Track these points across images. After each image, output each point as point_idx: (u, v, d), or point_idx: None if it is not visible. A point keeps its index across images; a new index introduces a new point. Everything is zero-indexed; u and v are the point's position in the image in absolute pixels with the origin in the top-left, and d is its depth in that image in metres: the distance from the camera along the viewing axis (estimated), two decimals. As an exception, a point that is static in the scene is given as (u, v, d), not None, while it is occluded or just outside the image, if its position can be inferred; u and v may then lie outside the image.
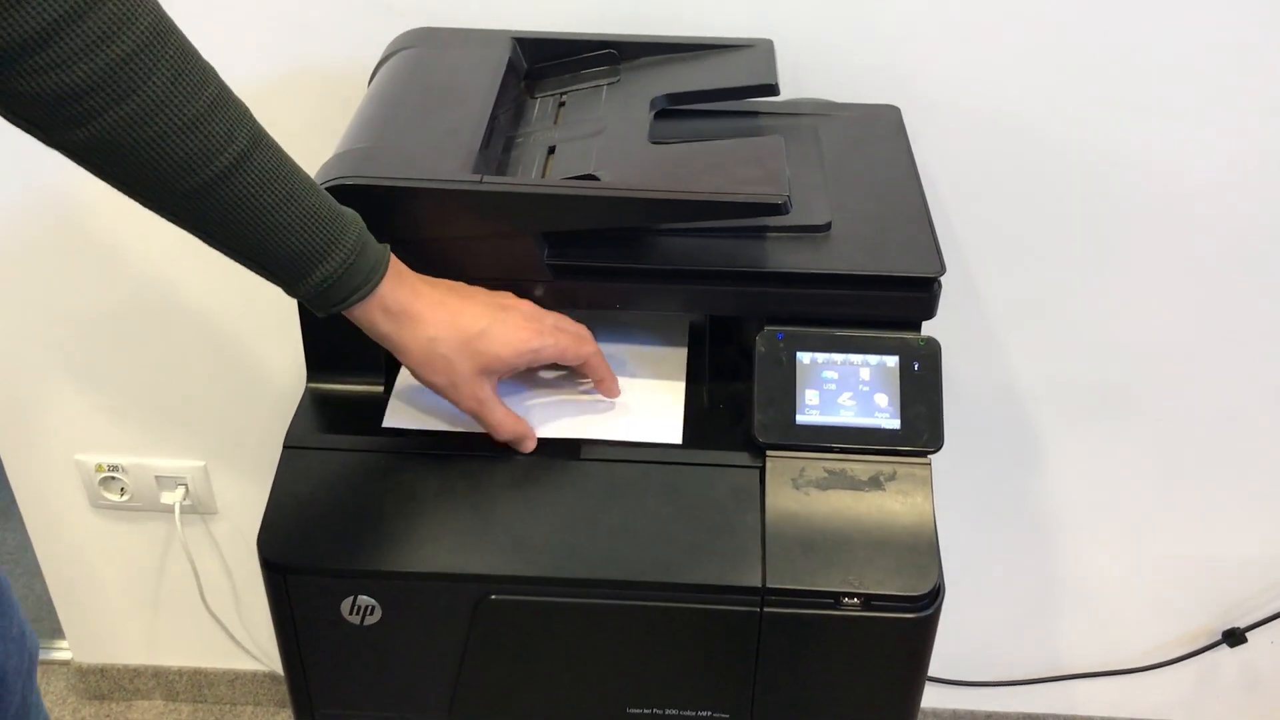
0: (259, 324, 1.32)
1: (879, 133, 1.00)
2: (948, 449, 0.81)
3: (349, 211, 0.75)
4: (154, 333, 1.33)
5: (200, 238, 0.72)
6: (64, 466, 1.45)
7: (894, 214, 0.88)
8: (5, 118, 0.64)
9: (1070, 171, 1.13)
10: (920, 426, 0.81)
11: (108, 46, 0.61)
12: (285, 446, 0.83)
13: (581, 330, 0.84)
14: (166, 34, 0.64)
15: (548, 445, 0.83)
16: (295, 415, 0.86)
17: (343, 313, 0.76)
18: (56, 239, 1.26)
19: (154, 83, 0.63)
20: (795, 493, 0.80)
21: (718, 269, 0.82)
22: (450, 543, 0.79)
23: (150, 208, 0.69)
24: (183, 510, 1.47)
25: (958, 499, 1.36)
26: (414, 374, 0.81)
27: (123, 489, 1.47)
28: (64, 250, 1.27)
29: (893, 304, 0.83)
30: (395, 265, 0.77)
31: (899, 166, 0.95)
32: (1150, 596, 1.46)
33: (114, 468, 1.45)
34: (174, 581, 1.55)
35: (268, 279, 0.74)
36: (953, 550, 1.34)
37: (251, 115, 0.70)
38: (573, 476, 0.82)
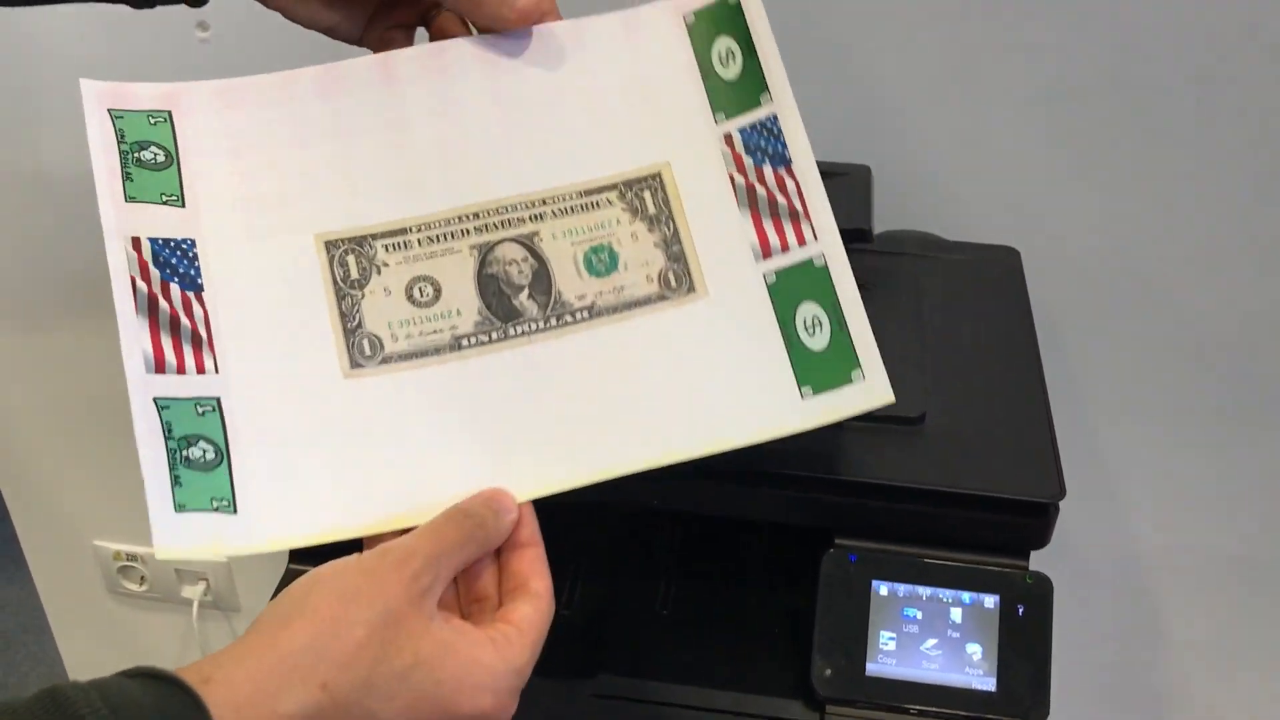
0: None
1: (993, 286, 0.83)
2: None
3: None
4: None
5: None
6: (82, 551, 1.36)
7: (1005, 404, 0.72)
8: None
9: (1219, 335, 0.95)
10: (1020, 691, 0.65)
11: None
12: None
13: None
14: None
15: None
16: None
17: None
18: (77, 319, 1.17)
19: None
20: (860, 764, 0.64)
21: (774, 470, 0.66)
22: None
23: None
24: (203, 605, 1.37)
25: None
26: None
27: (142, 578, 1.37)
28: (83, 329, 1.18)
29: (995, 527, 0.67)
30: None
31: (1016, 336, 0.78)
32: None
33: (132, 556, 1.35)
34: (193, 677, 1.45)
35: None
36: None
37: None
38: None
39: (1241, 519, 1.06)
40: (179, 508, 0.50)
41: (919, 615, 0.66)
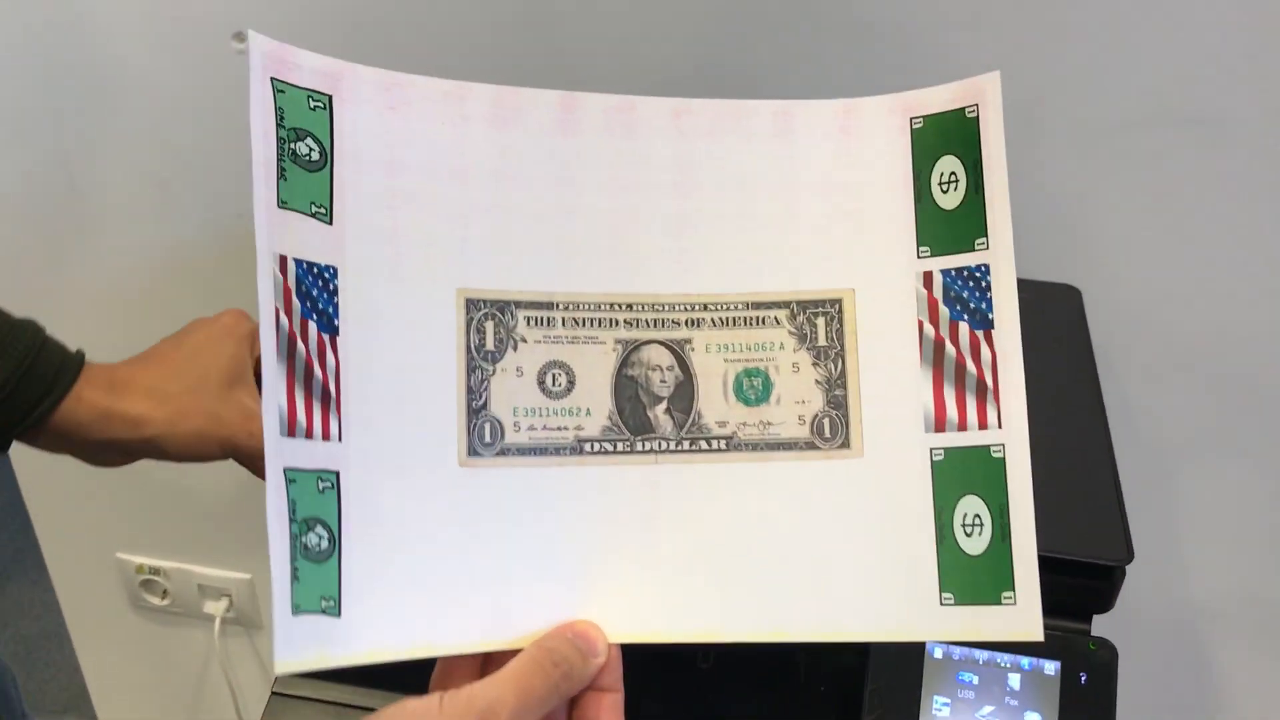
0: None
1: (1053, 329, 0.79)
2: None
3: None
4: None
5: None
6: (104, 563, 1.34)
7: (1068, 458, 0.68)
8: None
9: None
10: (1083, 766, 0.61)
11: None
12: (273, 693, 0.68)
13: None
14: None
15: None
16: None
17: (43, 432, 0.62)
18: (100, 326, 1.14)
19: None
20: (909, 837, 0.61)
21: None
22: None
23: None
24: (226, 622, 1.34)
25: None
26: (166, 441, 0.64)
27: (164, 592, 1.35)
28: (106, 338, 1.15)
29: (1058, 589, 0.63)
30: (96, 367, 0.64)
31: (1079, 383, 0.75)
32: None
33: (155, 570, 1.33)
34: (213, 692, 1.43)
35: None
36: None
37: None
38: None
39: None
40: (295, 609, 0.42)
41: (975, 680, 0.63)
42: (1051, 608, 0.62)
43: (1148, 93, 0.82)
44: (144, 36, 0.96)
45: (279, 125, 0.45)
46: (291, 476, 0.43)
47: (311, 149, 0.46)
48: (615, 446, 0.48)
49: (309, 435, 0.44)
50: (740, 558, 0.47)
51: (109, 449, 0.65)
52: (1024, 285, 0.82)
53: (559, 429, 0.48)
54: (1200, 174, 0.84)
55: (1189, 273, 0.89)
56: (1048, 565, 0.61)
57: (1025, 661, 0.63)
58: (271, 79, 0.45)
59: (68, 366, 0.63)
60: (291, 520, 0.43)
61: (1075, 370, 0.76)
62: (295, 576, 0.42)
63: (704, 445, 0.48)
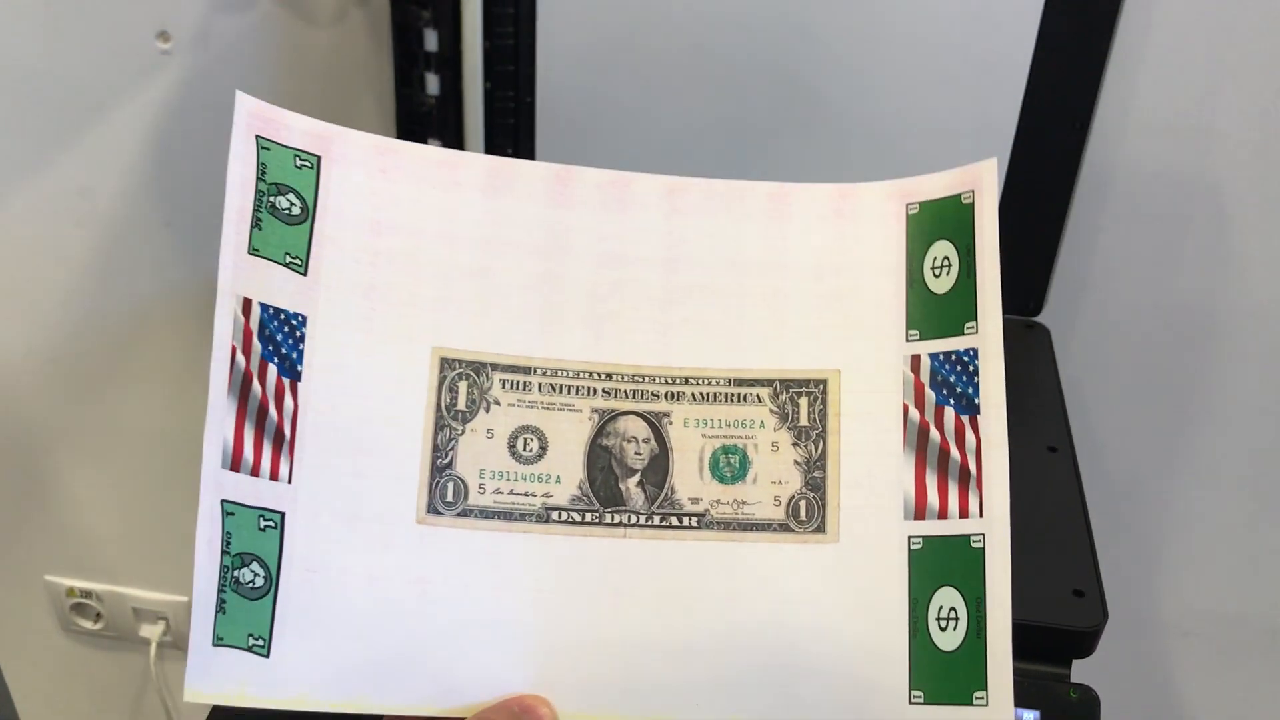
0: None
1: (1023, 371, 0.77)
2: None
3: None
4: (139, 455, 1.16)
5: None
6: (33, 586, 1.28)
7: (1041, 513, 0.66)
8: None
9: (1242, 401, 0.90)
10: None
11: None
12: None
13: None
14: None
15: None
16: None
17: None
18: (30, 347, 1.09)
19: None
20: None
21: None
22: None
23: None
24: (162, 646, 1.29)
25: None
26: None
27: (97, 615, 1.30)
28: (38, 357, 1.10)
29: (1035, 635, 0.61)
30: None
31: (1050, 424, 0.72)
32: None
33: (86, 593, 1.27)
34: (150, 718, 1.38)
35: None
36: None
37: None
38: None
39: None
40: (217, 640, 0.42)
41: (948, 745, 0.60)
42: (1029, 654, 0.61)
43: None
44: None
45: (259, 179, 0.46)
46: (230, 510, 0.43)
47: (293, 204, 0.47)
48: (583, 517, 0.47)
49: (255, 473, 0.44)
50: (704, 641, 0.46)
51: None
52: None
53: (526, 495, 0.47)
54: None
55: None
56: (1022, 632, 0.60)
57: None
58: (257, 136, 0.46)
59: None
60: (224, 552, 0.43)
61: (1046, 413, 0.74)
62: (221, 608, 0.42)
63: (675, 522, 0.47)
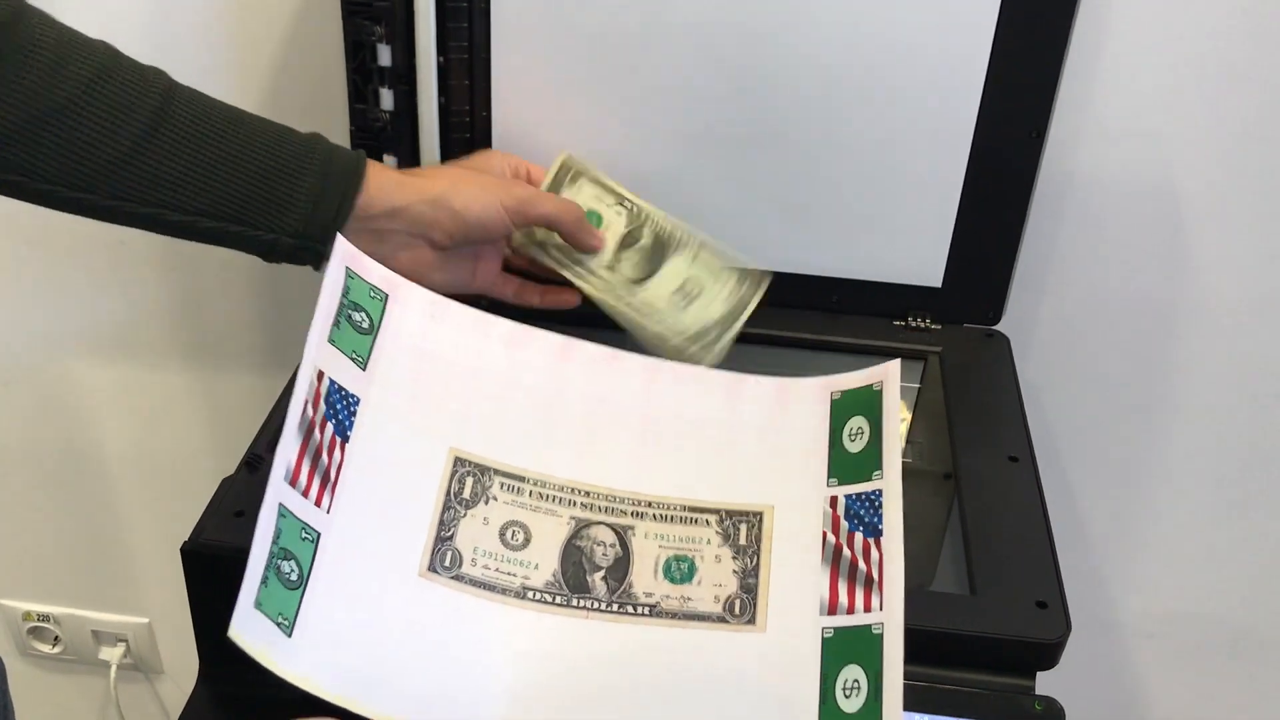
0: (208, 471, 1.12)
1: (983, 381, 0.77)
2: None
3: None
4: (92, 476, 1.14)
5: (152, 224, 0.63)
6: (-11, 610, 1.26)
7: (1005, 522, 0.66)
8: None
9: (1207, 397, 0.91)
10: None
11: None
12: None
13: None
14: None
15: None
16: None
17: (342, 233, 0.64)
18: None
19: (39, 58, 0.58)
20: None
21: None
22: None
23: (78, 204, 0.62)
24: (123, 669, 1.28)
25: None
26: (446, 202, 0.68)
27: (56, 639, 1.27)
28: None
29: (998, 648, 0.61)
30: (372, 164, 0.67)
31: (1011, 435, 0.72)
32: None
33: (44, 616, 1.25)
34: (111, 742, 1.35)
35: (245, 240, 0.64)
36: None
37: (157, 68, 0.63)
38: None
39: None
40: (257, 605, 0.52)
41: (914, 754, 0.60)
42: (994, 666, 0.61)
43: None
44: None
45: (344, 295, 0.61)
46: (283, 512, 0.54)
47: (363, 320, 0.62)
48: (554, 599, 0.57)
49: (305, 494, 0.56)
50: (647, 701, 0.55)
51: (399, 216, 0.67)
52: (956, 331, 0.82)
53: (509, 574, 0.58)
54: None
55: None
56: (986, 645, 0.60)
57: (965, 736, 0.60)
58: (346, 267, 0.62)
59: (357, 158, 0.66)
60: (274, 542, 0.53)
61: (1007, 423, 0.74)
62: (264, 582, 0.52)
63: (631, 609, 0.57)
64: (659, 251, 0.73)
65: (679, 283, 0.73)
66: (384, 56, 0.79)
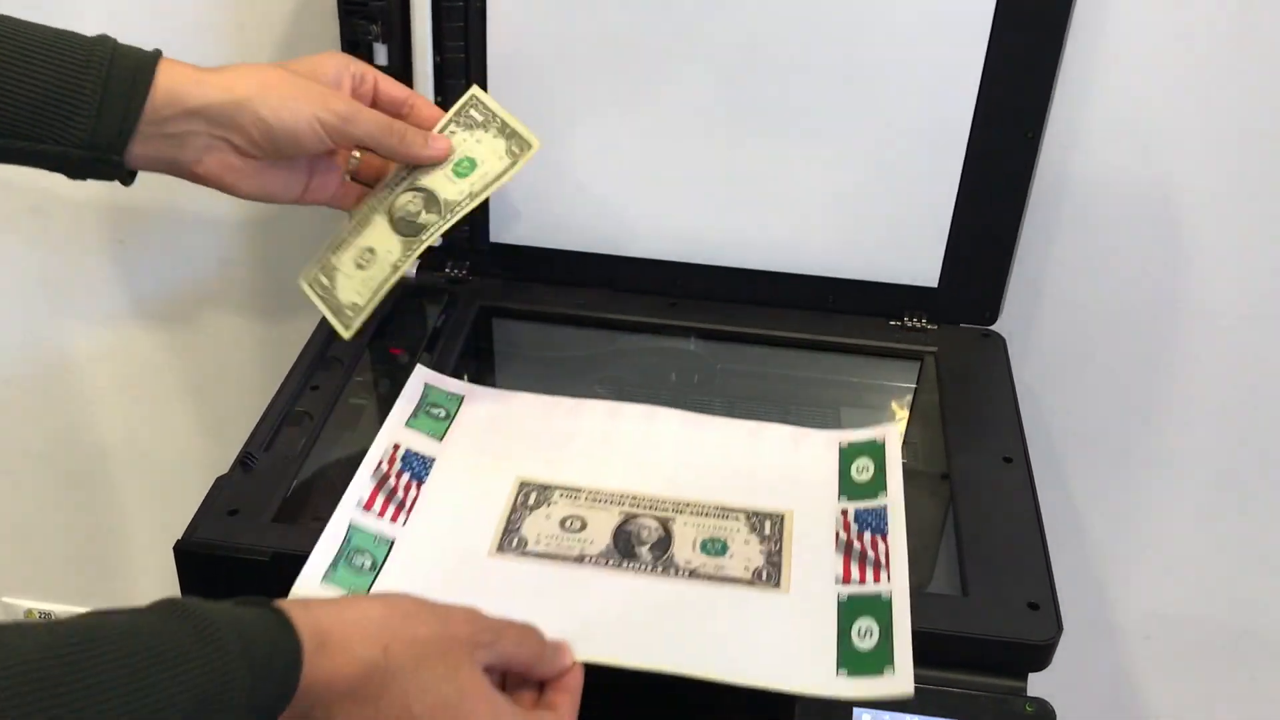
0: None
1: (979, 382, 0.77)
2: None
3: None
4: (92, 475, 1.15)
5: None
6: (-9, 608, 1.27)
7: (997, 525, 0.66)
8: None
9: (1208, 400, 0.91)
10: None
11: None
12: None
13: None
14: None
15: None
16: None
17: None
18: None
19: None
20: None
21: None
22: None
23: None
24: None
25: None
26: (250, 106, 0.64)
27: (57, 636, 1.28)
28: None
29: (989, 649, 0.61)
30: None
31: (1005, 436, 0.72)
32: None
33: (46, 615, 1.26)
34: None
35: (34, 157, 0.61)
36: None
37: None
38: None
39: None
40: (325, 578, 0.62)
41: (906, 749, 0.60)
42: (985, 667, 0.61)
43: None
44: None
45: (423, 398, 0.76)
46: (355, 529, 0.66)
47: (440, 412, 0.76)
48: (608, 563, 0.67)
49: (380, 515, 0.67)
50: (685, 628, 0.63)
51: (197, 117, 0.63)
52: (952, 331, 0.81)
53: (569, 547, 0.67)
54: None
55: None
56: (977, 646, 0.60)
57: (957, 734, 0.60)
58: (426, 383, 0.77)
59: (147, 58, 0.62)
60: (344, 543, 0.64)
61: (1002, 424, 0.74)
62: (334, 565, 0.63)
63: (673, 571, 0.66)
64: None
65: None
66: (380, 55, 0.79)
